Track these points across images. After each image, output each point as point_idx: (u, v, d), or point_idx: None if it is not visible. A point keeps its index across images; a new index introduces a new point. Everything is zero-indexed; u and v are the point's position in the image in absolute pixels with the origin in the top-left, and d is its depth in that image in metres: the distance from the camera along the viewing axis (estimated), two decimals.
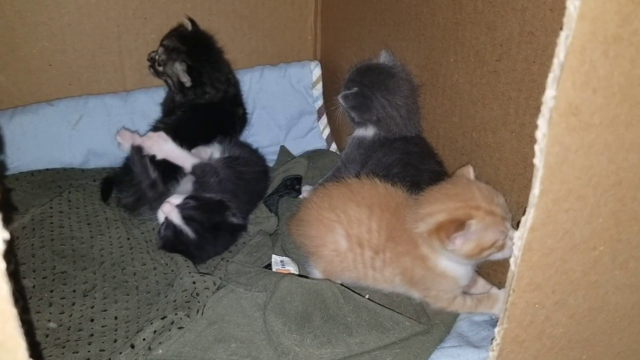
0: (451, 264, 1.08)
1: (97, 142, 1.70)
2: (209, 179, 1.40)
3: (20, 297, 1.16)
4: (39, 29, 1.62)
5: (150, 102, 1.74)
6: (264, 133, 1.85)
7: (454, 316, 1.14)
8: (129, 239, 1.40)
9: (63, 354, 1.06)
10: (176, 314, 1.08)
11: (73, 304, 1.19)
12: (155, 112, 1.72)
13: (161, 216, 1.31)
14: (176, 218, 1.29)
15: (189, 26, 1.64)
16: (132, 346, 1.02)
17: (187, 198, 1.32)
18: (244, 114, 1.76)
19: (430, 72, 1.34)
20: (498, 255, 1.05)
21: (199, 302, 1.12)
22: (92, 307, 1.18)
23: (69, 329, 1.12)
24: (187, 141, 1.51)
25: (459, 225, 0.98)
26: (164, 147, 1.44)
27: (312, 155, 1.78)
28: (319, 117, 1.91)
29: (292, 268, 1.26)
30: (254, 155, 1.60)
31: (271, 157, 1.78)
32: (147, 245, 1.39)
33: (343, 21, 1.74)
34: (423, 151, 1.36)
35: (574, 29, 0.51)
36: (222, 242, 1.36)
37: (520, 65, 1.03)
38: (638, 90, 0.58)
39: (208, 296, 1.15)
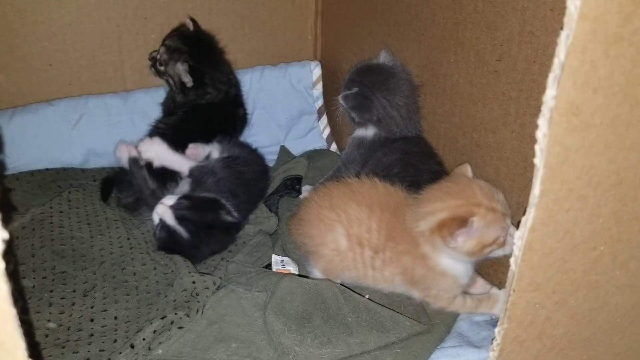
0: (452, 263, 1.08)
1: (97, 142, 1.70)
2: (206, 180, 1.40)
3: (19, 297, 1.16)
4: (39, 29, 1.62)
5: (150, 102, 1.74)
6: (264, 133, 1.85)
7: (454, 316, 1.14)
8: (129, 239, 1.40)
9: (63, 354, 1.05)
10: (176, 314, 1.08)
11: (73, 304, 1.18)
12: (156, 112, 1.72)
13: (156, 218, 1.31)
14: (169, 219, 1.29)
15: (191, 26, 1.64)
16: (132, 346, 1.02)
17: (180, 198, 1.32)
18: (245, 114, 1.76)
19: (430, 72, 1.34)
20: (499, 252, 1.06)
21: (198, 302, 1.12)
22: (92, 307, 1.18)
23: (68, 329, 1.12)
24: (187, 141, 1.51)
25: (461, 222, 0.99)
26: (160, 152, 1.44)
27: (312, 155, 1.78)
28: (319, 117, 1.91)
29: (292, 268, 1.26)
30: (254, 155, 1.60)
31: (271, 157, 1.78)
32: (147, 245, 1.38)
33: (343, 21, 1.74)
34: (423, 151, 1.36)
35: (575, 29, 0.50)
36: (216, 240, 1.35)
37: (521, 65, 1.02)
38: (639, 90, 0.58)
39: (208, 296, 1.15)
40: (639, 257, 0.73)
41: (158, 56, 1.63)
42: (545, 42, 0.95)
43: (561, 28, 0.51)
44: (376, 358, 1.02)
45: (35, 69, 1.66)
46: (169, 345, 1.05)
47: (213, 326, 1.09)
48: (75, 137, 1.68)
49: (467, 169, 1.11)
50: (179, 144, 1.50)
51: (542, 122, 0.55)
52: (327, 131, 1.92)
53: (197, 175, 1.41)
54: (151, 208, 1.41)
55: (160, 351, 1.04)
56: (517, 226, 0.64)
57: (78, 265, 1.29)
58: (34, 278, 1.24)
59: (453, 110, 1.28)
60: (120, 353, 1.01)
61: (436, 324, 1.11)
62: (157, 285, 1.26)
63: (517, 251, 0.64)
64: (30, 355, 0.49)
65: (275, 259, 1.29)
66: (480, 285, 1.20)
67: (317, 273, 1.21)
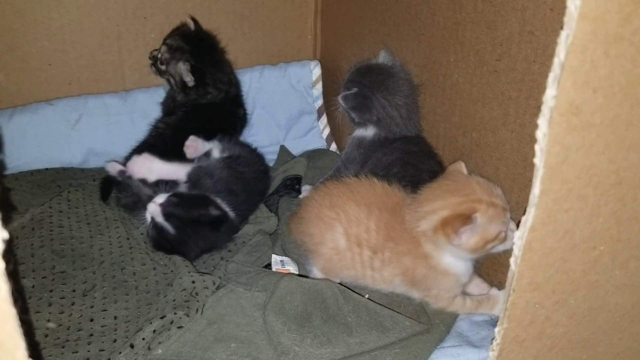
0: (453, 261, 1.08)
1: (96, 142, 1.70)
2: (204, 181, 1.40)
3: (19, 297, 1.16)
4: (38, 28, 1.62)
5: (150, 101, 1.74)
6: (264, 133, 1.85)
7: (454, 316, 1.14)
8: (128, 238, 1.40)
9: (62, 353, 1.05)
10: (175, 314, 1.08)
11: (72, 304, 1.18)
12: (155, 112, 1.72)
13: (148, 217, 1.31)
14: (158, 216, 1.29)
15: (192, 25, 1.64)
16: (132, 346, 1.02)
17: (170, 196, 1.32)
18: (245, 114, 1.76)
19: (430, 72, 1.34)
20: (500, 248, 1.06)
21: (198, 301, 1.12)
22: (92, 307, 1.18)
23: (68, 329, 1.12)
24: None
25: (465, 219, 0.99)
26: (152, 168, 1.42)
27: (312, 155, 1.78)
28: (319, 117, 1.91)
29: (292, 268, 1.26)
30: (254, 155, 1.60)
31: (271, 157, 1.78)
32: (147, 245, 1.38)
33: (343, 21, 1.74)
34: (423, 151, 1.36)
35: (575, 29, 0.50)
36: (204, 236, 1.33)
37: (521, 65, 1.02)
38: (639, 90, 0.58)
39: (207, 296, 1.15)
40: (639, 257, 0.73)
41: (159, 55, 1.63)
42: (545, 41, 0.95)
43: (561, 28, 0.51)
44: (376, 358, 1.02)
45: (34, 69, 1.66)
46: (168, 345, 1.05)
47: (213, 326, 1.09)
48: (75, 136, 1.68)
49: (462, 166, 1.11)
50: (178, 144, 1.49)
51: (542, 121, 0.55)
52: (327, 131, 1.92)
53: (195, 178, 1.41)
54: None
55: (159, 351, 1.04)
56: (517, 226, 0.64)
57: (78, 265, 1.29)
58: (33, 278, 1.24)
59: (453, 110, 1.28)
60: (120, 353, 1.01)
61: (436, 323, 1.11)
62: (157, 285, 1.26)
63: (516, 251, 0.64)
64: (30, 355, 0.49)
65: (275, 258, 1.29)
66: (478, 284, 1.20)
67: (316, 272, 1.22)
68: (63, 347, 1.07)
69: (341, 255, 1.16)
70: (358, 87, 1.37)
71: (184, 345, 1.05)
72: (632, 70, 0.57)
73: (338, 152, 1.84)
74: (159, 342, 1.05)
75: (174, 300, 1.13)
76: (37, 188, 1.56)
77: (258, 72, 1.84)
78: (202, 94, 1.63)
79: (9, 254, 0.82)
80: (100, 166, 1.69)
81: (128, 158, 1.54)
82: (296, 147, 1.86)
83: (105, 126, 1.71)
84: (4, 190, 1.49)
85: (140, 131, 1.63)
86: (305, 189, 1.55)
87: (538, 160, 0.57)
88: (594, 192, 0.63)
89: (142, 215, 1.44)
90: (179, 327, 1.07)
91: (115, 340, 1.10)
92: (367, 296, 1.14)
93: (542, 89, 0.54)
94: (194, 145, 1.48)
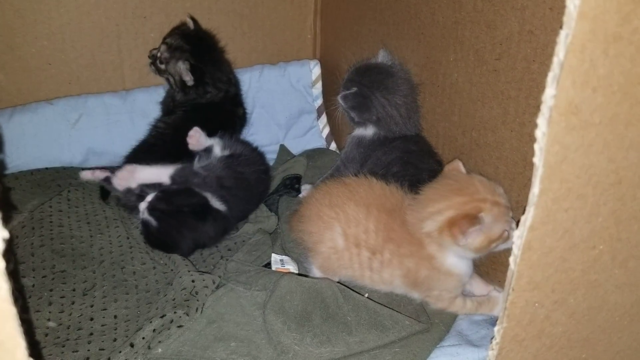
0: (457, 261, 1.08)
1: (96, 141, 1.70)
2: (191, 180, 1.40)
3: (19, 296, 1.16)
4: (38, 28, 1.62)
5: (149, 101, 1.74)
6: (264, 132, 1.85)
7: (454, 315, 1.14)
8: (128, 238, 1.40)
9: (63, 352, 1.06)
10: (175, 313, 1.08)
11: (73, 303, 1.19)
12: (155, 111, 1.72)
13: (140, 216, 1.33)
14: (144, 213, 1.30)
15: (191, 25, 1.64)
16: (132, 345, 1.02)
17: (157, 193, 1.33)
18: (244, 113, 1.76)
19: (429, 71, 1.34)
20: (501, 246, 1.05)
21: (198, 300, 1.12)
22: (92, 306, 1.18)
23: (68, 328, 1.12)
24: (186, 141, 1.51)
25: (472, 219, 0.98)
26: (137, 177, 1.42)
27: (312, 154, 1.78)
28: (319, 116, 1.91)
29: (291, 267, 1.26)
30: (255, 153, 1.60)
31: (271, 156, 1.78)
32: (147, 244, 1.38)
33: (342, 20, 1.74)
34: (422, 150, 1.36)
35: (574, 28, 0.51)
36: (188, 224, 1.33)
37: (520, 64, 1.02)
38: (638, 89, 0.58)
39: (207, 295, 1.15)
40: (638, 256, 0.73)
41: (159, 54, 1.63)
42: (545, 41, 0.95)
43: (560, 27, 0.51)
44: (375, 357, 1.02)
45: (34, 68, 1.66)
46: (168, 344, 1.05)
47: (212, 325, 1.09)
48: (75, 136, 1.68)
49: (459, 165, 1.11)
50: (178, 144, 1.49)
51: (542, 121, 0.55)
52: (327, 130, 1.92)
53: (180, 180, 1.41)
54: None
55: (159, 350, 1.04)
56: (517, 225, 0.64)
57: (78, 264, 1.29)
58: (33, 277, 1.24)
59: (452, 109, 1.28)
60: (120, 352, 1.01)
61: (435, 323, 1.11)
62: (157, 284, 1.26)
63: (516, 250, 0.64)
64: (30, 354, 0.49)
65: (275, 257, 1.29)
66: (480, 284, 1.20)
67: (314, 270, 1.22)
68: (63, 346, 1.07)
69: (339, 254, 1.15)
70: (357, 87, 1.37)
71: (184, 344, 1.05)
72: (631, 70, 0.57)
73: (338, 152, 1.84)
74: (159, 341, 1.05)
75: (173, 299, 1.13)
76: (37, 187, 1.56)
77: (258, 72, 1.84)
78: (202, 93, 1.63)
79: (9, 253, 0.82)
80: (101, 165, 1.69)
81: (127, 157, 1.54)
82: (296, 147, 1.86)
83: (105, 125, 1.71)
84: (4, 189, 1.49)
85: (140, 130, 1.64)
86: (305, 188, 1.55)
87: (537, 160, 0.57)
88: (593, 192, 0.63)
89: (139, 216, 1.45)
90: (179, 326, 1.08)
91: (115, 340, 1.10)
92: (366, 295, 1.14)
93: (541, 88, 0.54)
94: (197, 137, 1.49)
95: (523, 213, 0.62)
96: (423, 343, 1.05)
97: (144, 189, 1.39)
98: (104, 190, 1.55)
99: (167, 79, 1.65)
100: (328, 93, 1.85)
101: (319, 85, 1.90)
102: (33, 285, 1.22)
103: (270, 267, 1.26)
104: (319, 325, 1.05)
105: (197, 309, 1.11)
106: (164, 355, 1.03)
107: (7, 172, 1.61)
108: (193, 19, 1.65)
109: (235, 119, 1.71)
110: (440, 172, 1.28)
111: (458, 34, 1.20)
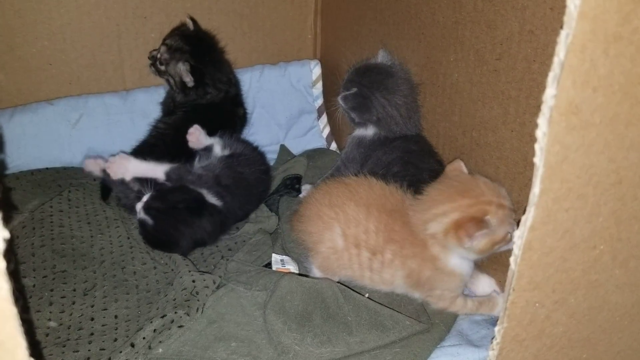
0: (459, 262, 1.08)
1: (97, 142, 1.70)
2: (186, 178, 1.40)
3: (20, 296, 1.16)
4: (38, 28, 1.62)
5: (150, 101, 1.74)
6: (264, 132, 1.85)
7: (454, 315, 1.14)
8: (129, 238, 1.40)
9: (63, 352, 1.06)
10: (176, 313, 1.08)
11: (73, 303, 1.19)
12: (155, 112, 1.72)
13: (137, 215, 1.33)
14: (140, 212, 1.31)
15: (191, 25, 1.64)
16: (132, 345, 1.02)
17: (152, 192, 1.33)
18: (244, 113, 1.76)
19: (430, 71, 1.34)
20: (503, 247, 1.05)
21: (198, 300, 1.12)
22: (92, 306, 1.18)
23: (69, 328, 1.12)
24: (186, 141, 1.51)
25: (478, 222, 0.98)
26: (129, 167, 1.41)
27: (312, 154, 1.78)
28: (319, 116, 1.91)
29: (292, 267, 1.26)
30: (256, 153, 1.60)
31: (271, 156, 1.78)
32: (146, 244, 1.38)
33: (343, 20, 1.74)
34: (423, 150, 1.36)
35: (574, 28, 0.51)
36: (184, 221, 1.32)
37: (521, 64, 1.02)
38: (638, 89, 0.58)
39: (208, 295, 1.15)
40: (639, 256, 0.73)
41: (159, 55, 1.63)
42: (545, 41, 0.95)
43: (561, 27, 0.51)
44: (376, 357, 1.02)
45: (34, 68, 1.66)
46: (169, 344, 1.05)
47: (213, 325, 1.09)
48: (75, 136, 1.68)
49: (461, 165, 1.10)
50: (178, 144, 1.50)
51: (542, 121, 0.55)
52: (327, 130, 1.92)
53: (175, 177, 1.41)
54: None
55: (160, 350, 1.04)
56: (518, 225, 0.64)
57: (78, 264, 1.29)
58: (34, 277, 1.24)
59: (453, 109, 1.28)
60: (121, 352, 1.01)
61: (436, 323, 1.11)
62: (157, 284, 1.26)
63: (516, 250, 0.64)
64: (30, 354, 0.49)
65: (275, 257, 1.29)
66: (486, 282, 1.20)
67: (314, 270, 1.21)
68: (64, 346, 1.07)
69: (338, 255, 1.15)
70: (357, 87, 1.37)
71: (185, 344, 1.05)
72: (631, 70, 0.57)
73: (338, 152, 1.84)
74: (160, 341, 1.05)
75: (174, 299, 1.13)
76: (38, 187, 1.57)
77: (258, 72, 1.84)
78: (202, 94, 1.63)
79: (9, 253, 0.82)
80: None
81: None
82: (296, 147, 1.86)
83: (106, 126, 1.71)
84: (4, 189, 1.49)
85: (140, 131, 1.64)
86: (306, 189, 1.55)
87: (538, 160, 0.57)
88: (593, 191, 0.63)
89: None
90: (180, 326, 1.08)
91: (115, 340, 1.10)
92: (367, 295, 1.14)
93: (542, 88, 0.54)
94: (196, 134, 1.49)
95: (524, 213, 0.62)
96: (424, 343, 1.05)
97: (141, 188, 1.39)
98: (105, 190, 1.55)
99: (167, 80, 1.65)
100: (328, 93, 1.85)
101: (320, 85, 1.90)
102: (34, 285, 1.22)
103: (270, 267, 1.26)
104: (319, 326, 1.05)
105: (197, 309, 1.11)
106: (164, 355, 1.03)
107: (8, 172, 1.61)
108: (193, 19, 1.65)
109: (235, 119, 1.71)
110: (441, 172, 1.28)
111: (458, 34, 1.20)
